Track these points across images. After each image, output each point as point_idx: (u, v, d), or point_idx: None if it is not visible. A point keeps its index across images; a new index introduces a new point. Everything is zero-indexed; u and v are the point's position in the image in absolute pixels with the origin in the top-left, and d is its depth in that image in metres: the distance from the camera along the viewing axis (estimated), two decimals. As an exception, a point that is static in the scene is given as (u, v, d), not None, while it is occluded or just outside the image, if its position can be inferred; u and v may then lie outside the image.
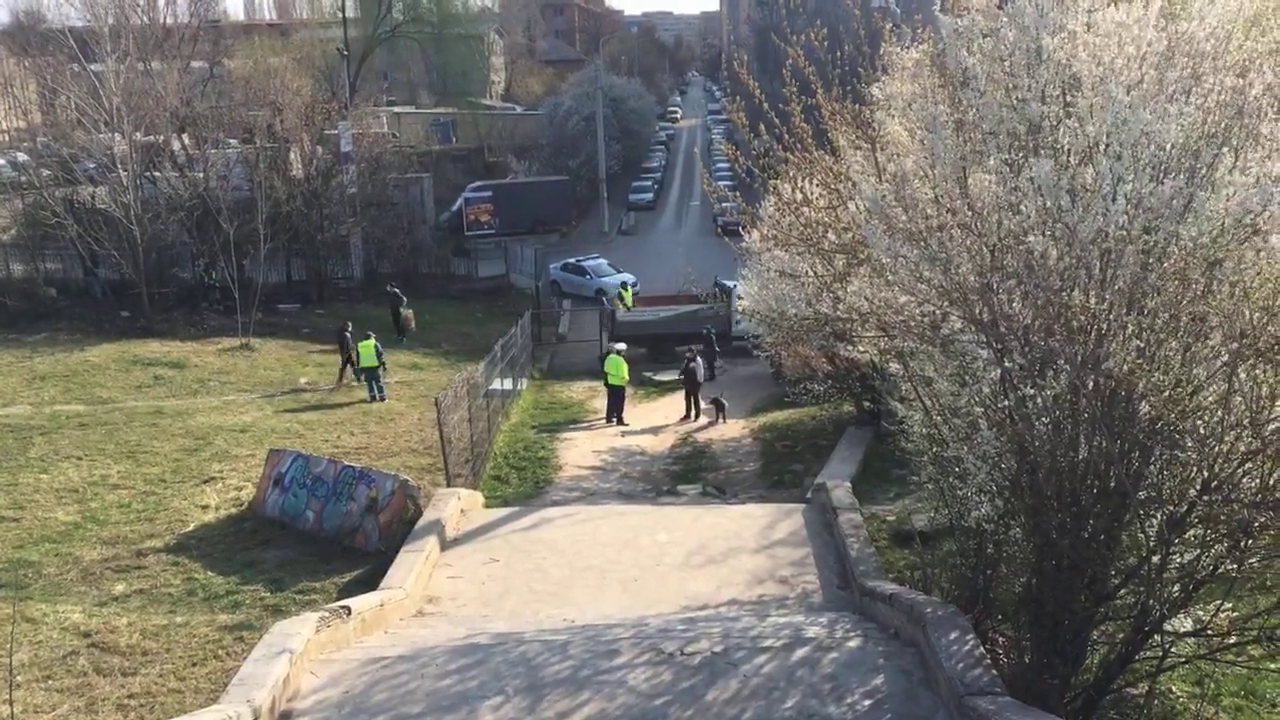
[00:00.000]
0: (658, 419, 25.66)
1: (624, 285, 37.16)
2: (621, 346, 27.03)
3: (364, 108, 48.84)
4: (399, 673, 9.92)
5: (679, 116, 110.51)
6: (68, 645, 11.66)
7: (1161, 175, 7.82)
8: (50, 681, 10.77)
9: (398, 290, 35.15)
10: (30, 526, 16.03)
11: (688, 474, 20.61)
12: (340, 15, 58.13)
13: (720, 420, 24.73)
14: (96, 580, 14.03)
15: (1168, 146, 7.90)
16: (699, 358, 25.99)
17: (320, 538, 15.66)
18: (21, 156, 42.24)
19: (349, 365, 26.95)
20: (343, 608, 11.09)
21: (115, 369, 27.39)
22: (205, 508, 17.09)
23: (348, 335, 27.16)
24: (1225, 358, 7.65)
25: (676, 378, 27.86)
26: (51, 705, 10.22)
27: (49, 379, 26.07)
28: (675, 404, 26.46)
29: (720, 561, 14.36)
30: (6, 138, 56.18)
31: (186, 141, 37.54)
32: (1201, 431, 7.98)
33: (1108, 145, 7.91)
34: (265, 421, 23.06)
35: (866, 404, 21.88)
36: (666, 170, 79.79)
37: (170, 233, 34.46)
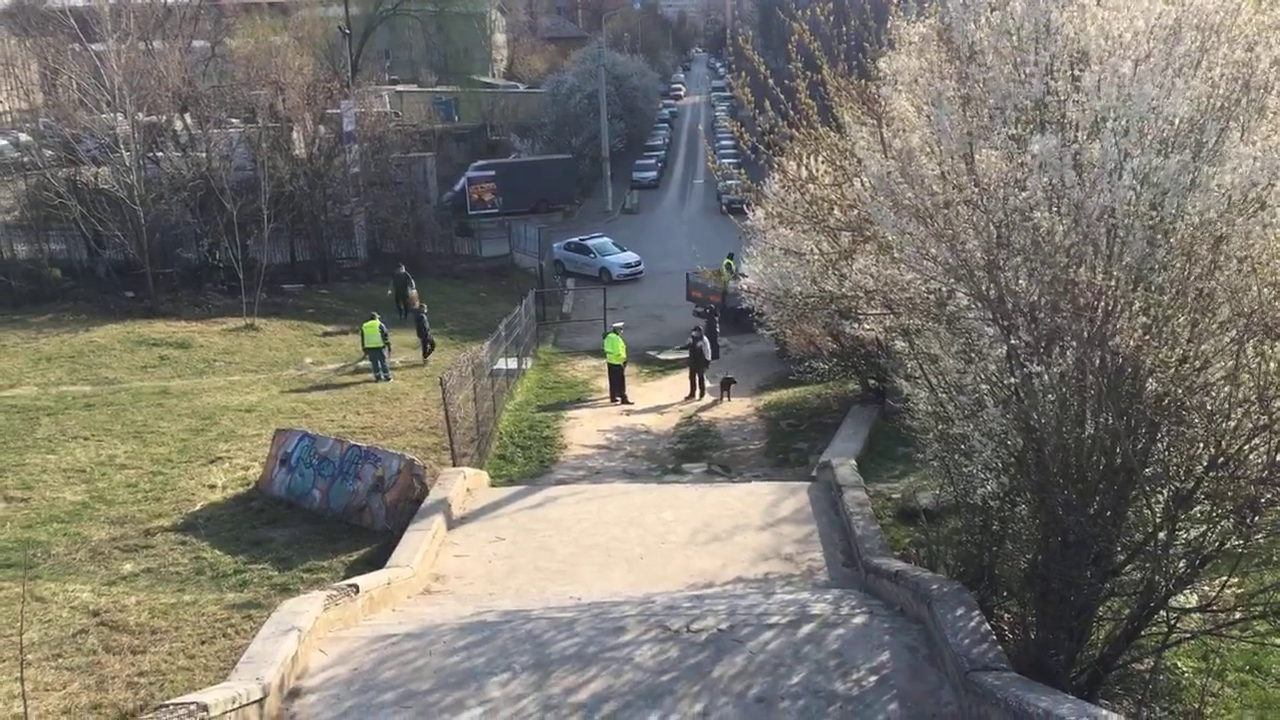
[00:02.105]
0: (662, 398, 25.67)
1: (730, 256, 35.99)
2: (621, 325, 26.99)
3: (366, 86, 48.57)
4: (407, 650, 9.99)
5: (683, 94, 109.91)
6: (77, 624, 11.74)
7: (1168, 150, 7.78)
8: (60, 660, 10.84)
9: (406, 272, 35.06)
10: (39, 506, 16.11)
11: (693, 452, 20.61)
12: (342, -7, 57.82)
13: (725, 399, 24.73)
14: (105, 559, 14.11)
15: (1174, 121, 7.85)
16: (704, 337, 25.95)
17: (327, 517, 15.72)
18: (24, 137, 42.14)
19: (427, 345, 28.31)
20: (350, 586, 11.15)
21: (121, 349, 27.44)
22: (212, 487, 17.15)
23: (424, 317, 28.63)
24: (1233, 334, 7.63)
25: (681, 356, 27.80)
26: (62, 683, 10.30)
27: (55, 360, 26.12)
28: (680, 383, 26.45)
29: (725, 539, 14.40)
30: (9, 119, 56.04)
31: (189, 121, 37.43)
32: (1209, 408, 7.97)
33: (1114, 120, 7.86)
34: (271, 401, 23.11)
35: (872, 382, 21.87)
36: (670, 148, 79.39)
37: (174, 213, 34.42)
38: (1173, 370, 7.78)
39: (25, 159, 37.13)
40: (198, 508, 16.22)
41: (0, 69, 59.90)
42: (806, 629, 10.25)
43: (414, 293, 34.64)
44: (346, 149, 40.06)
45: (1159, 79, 7.78)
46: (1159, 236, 7.81)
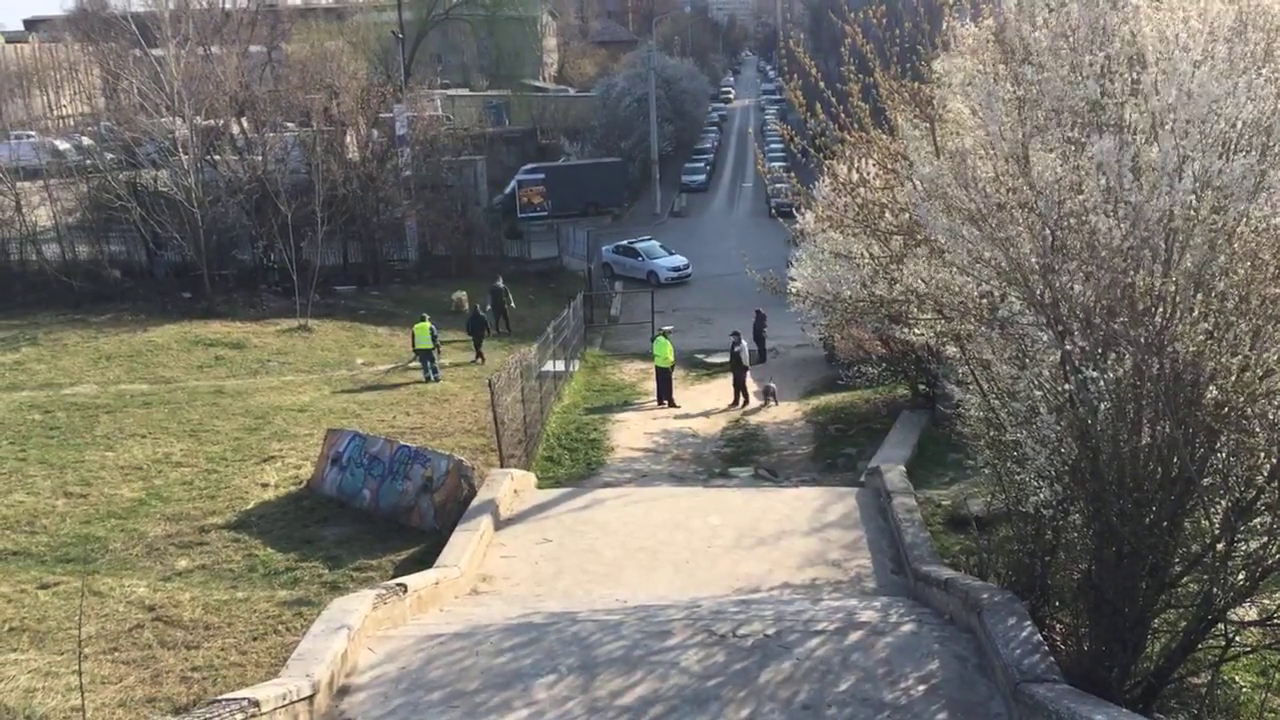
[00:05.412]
0: (709, 402, 25.58)
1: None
2: (670, 328, 26.93)
3: (418, 91, 49.02)
4: (454, 650, 10.05)
5: (732, 97, 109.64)
6: (133, 619, 11.95)
7: (1231, 153, 7.61)
8: (117, 654, 11.05)
9: (504, 285, 34.44)
10: (97, 502, 16.45)
11: (739, 456, 20.53)
12: (395, -2, 58.44)
13: (771, 403, 24.59)
14: (161, 555, 14.37)
15: (1237, 123, 7.68)
16: (743, 340, 25.77)
17: (376, 516, 15.87)
18: (86, 141, 43.16)
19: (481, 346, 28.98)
20: (399, 585, 11.24)
21: (178, 349, 27.95)
22: (265, 486, 17.40)
23: (484, 318, 29.61)
24: (1298, 341, 7.45)
25: (725, 361, 27.69)
26: (118, 677, 10.49)
27: (114, 359, 26.68)
28: (727, 387, 26.35)
29: (772, 544, 14.32)
30: (72, 122, 57.43)
31: (245, 125, 38.07)
32: (1270, 417, 7.78)
33: (1174, 121, 7.70)
34: (323, 401, 23.41)
35: (922, 387, 21.64)
36: (719, 151, 79.20)
37: (230, 215, 35.05)
38: (1233, 378, 7.61)
39: (87, 162, 37.97)
40: (251, 506, 16.46)
41: (64, 74, 61.52)
42: (854, 636, 10.16)
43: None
44: (399, 152, 40.50)
45: (1222, 80, 7.61)
46: (1221, 241, 7.64)
